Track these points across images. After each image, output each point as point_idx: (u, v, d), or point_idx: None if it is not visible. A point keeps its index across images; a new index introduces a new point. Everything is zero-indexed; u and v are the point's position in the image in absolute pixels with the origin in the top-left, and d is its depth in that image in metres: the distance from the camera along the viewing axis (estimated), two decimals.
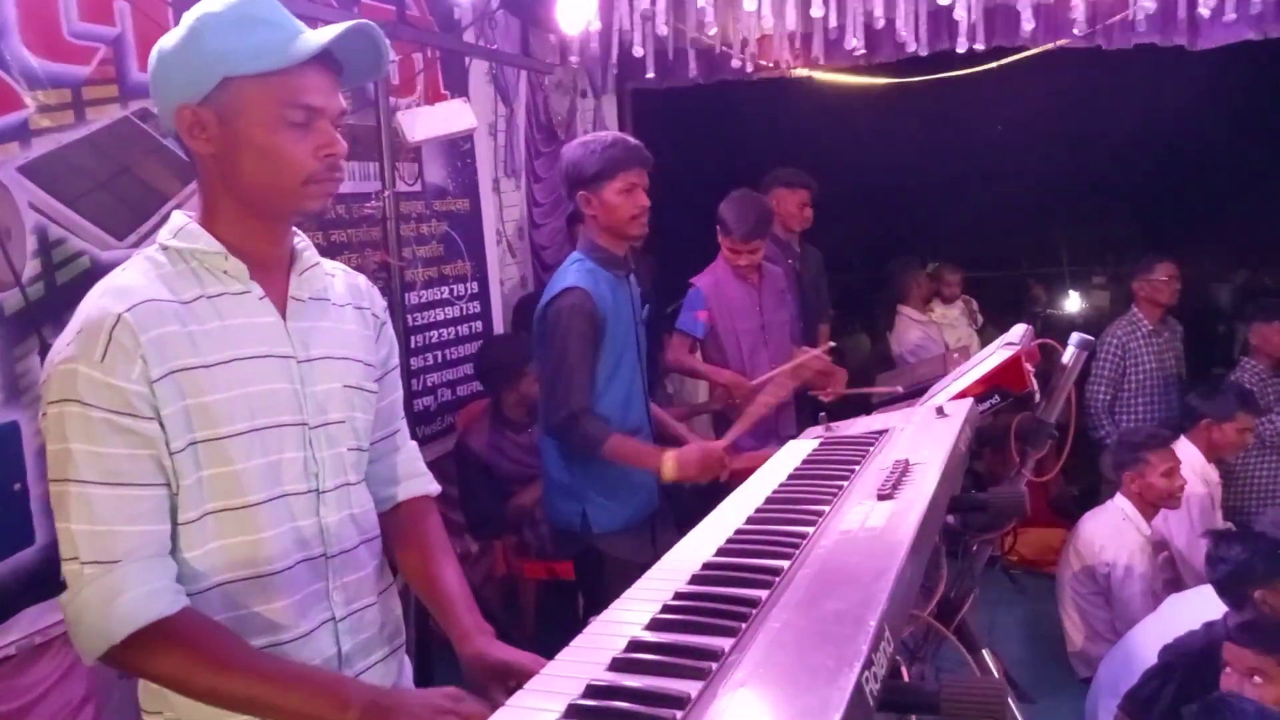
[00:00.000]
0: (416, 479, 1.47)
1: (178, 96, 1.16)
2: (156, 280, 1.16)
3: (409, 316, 3.19)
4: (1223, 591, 2.48)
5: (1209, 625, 2.44)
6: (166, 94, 1.18)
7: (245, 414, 1.16)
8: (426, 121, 2.94)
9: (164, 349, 1.11)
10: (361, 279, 1.42)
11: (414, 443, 1.50)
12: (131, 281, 1.15)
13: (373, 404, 1.36)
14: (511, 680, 1.20)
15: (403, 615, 1.43)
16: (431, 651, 2.61)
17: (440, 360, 3.52)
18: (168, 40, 1.17)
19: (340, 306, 1.33)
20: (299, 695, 1.08)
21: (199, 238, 1.19)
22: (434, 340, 3.47)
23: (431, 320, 3.46)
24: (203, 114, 1.15)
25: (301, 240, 1.30)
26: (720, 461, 2.34)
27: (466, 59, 3.59)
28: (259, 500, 1.18)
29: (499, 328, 3.87)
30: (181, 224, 1.21)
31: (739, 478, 1.57)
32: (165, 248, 1.20)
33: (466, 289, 3.66)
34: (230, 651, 1.11)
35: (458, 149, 3.60)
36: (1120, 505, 3.33)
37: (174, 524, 1.14)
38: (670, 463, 2.31)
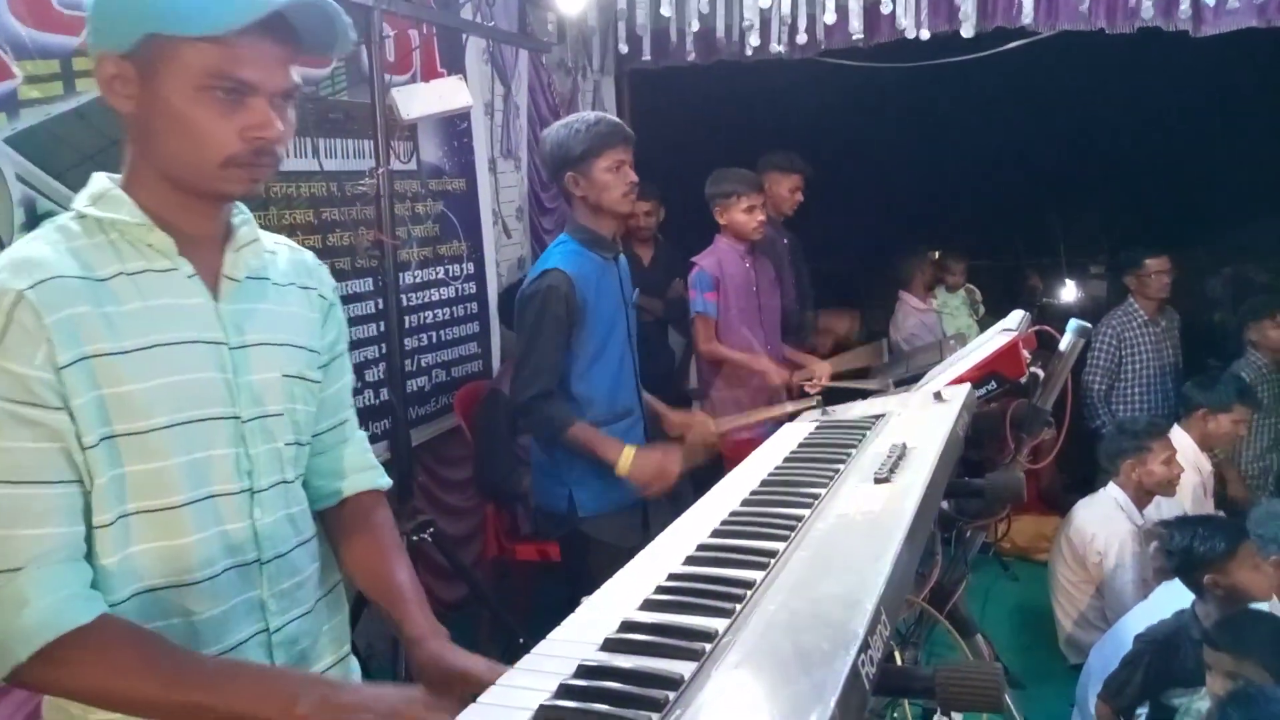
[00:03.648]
0: (365, 472, 1.35)
1: (102, 43, 1.05)
2: (67, 253, 1.02)
3: (403, 296, 3.17)
4: (1182, 579, 2.53)
5: (1178, 614, 2.49)
6: (93, 38, 1.06)
7: (168, 406, 1.05)
8: (421, 99, 2.91)
9: (73, 331, 0.99)
10: (308, 255, 1.30)
11: (363, 433, 1.39)
12: (37, 254, 1.01)
13: (316, 394, 1.25)
14: (467, 689, 1.10)
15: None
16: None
17: (435, 341, 3.49)
18: None
19: (282, 287, 1.21)
20: (240, 696, 0.97)
21: (120, 205, 1.07)
22: (429, 321, 3.45)
23: (427, 300, 3.43)
24: (124, 68, 1.04)
25: (240, 214, 1.18)
26: (671, 480, 2.35)
27: (463, 36, 3.55)
28: (183, 501, 1.06)
29: (495, 309, 3.85)
30: (103, 189, 1.08)
31: (733, 459, 1.56)
32: (82, 215, 1.07)
33: (462, 269, 3.63)
34: (157, 655, 0.99)
35: (454, 128, 3.57)
36: (1113, 494, 3.34)
37: (89, 527, 1.02)
38: (627, 459, 2.32)
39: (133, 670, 0.98)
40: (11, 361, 0.97)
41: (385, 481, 1.39)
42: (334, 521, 1.32)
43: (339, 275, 2.95)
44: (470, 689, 1.09)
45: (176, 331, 1.07)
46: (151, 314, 1.05)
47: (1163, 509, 3.46)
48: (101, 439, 1.01)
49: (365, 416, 3.05)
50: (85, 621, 0.97)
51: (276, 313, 1.19)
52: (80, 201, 1.08)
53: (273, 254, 1.23)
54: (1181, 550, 2.48)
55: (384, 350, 3.00)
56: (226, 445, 1.11)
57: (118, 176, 1.10)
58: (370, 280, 3.03)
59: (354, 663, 1.35)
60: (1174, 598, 2.64)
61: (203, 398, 1.08)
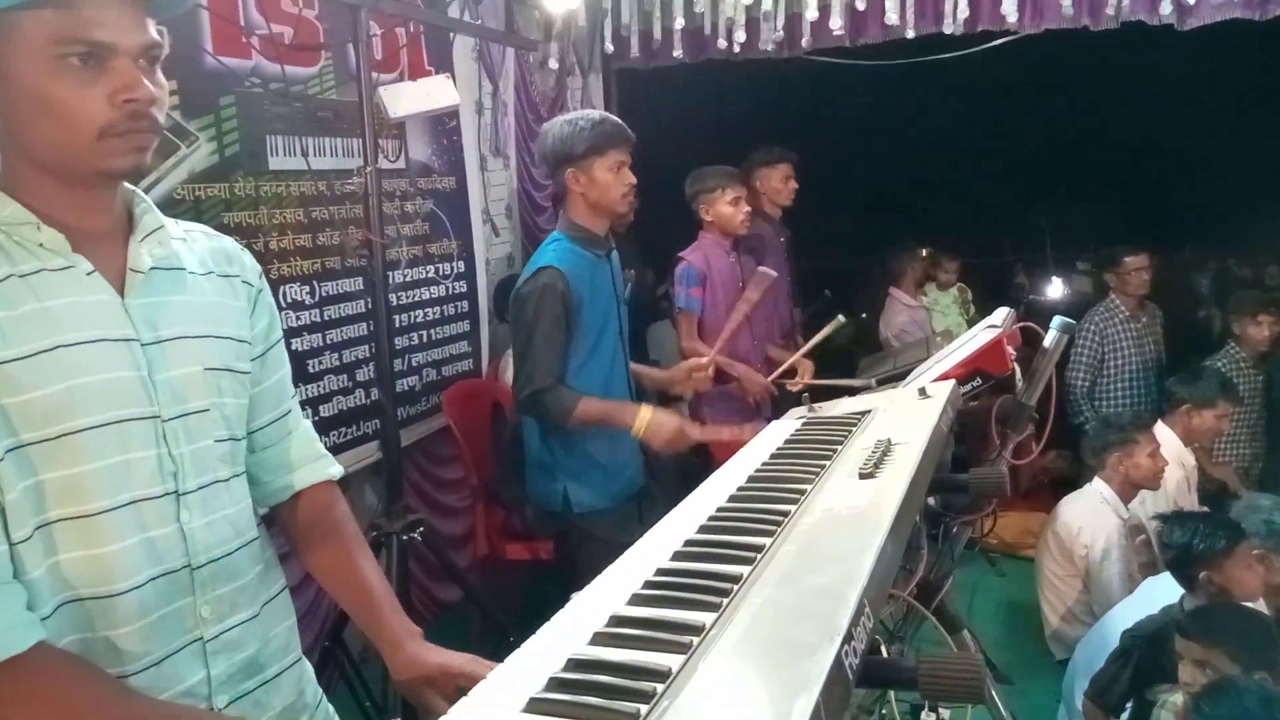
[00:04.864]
0: (315, 462, 1.31)
1: None
2: None
3: (393, 295, 3.17)
4: (1175, 574, 2.54)
5: (1166, 609, 2.51)
6: None
7: (76, 410, 0.98)
8: (409, 98, 2.90)
9: None
10: (228, 241, 1.23)
11: (307, 422, 1.34)
12: None
13: (245, 386, 1.19)
14: (450, 685, 1.12)
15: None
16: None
17: (426, 340, 3.50)
18: None
19: (200, 275, 1.15)
20: None
21: (3, 205, 1.00)
22: (419, 320, 3.45)
23: (416, 299, 3.44)
24: None
25: (141, 202, 1.11)
26: (686, 445, 2.38)
27: (451, 35, 3.55)
28: (101, 509, 1.00)
29: (485, 307, 3.85)
30: None
31: (721, 457, 1.57)
32: None
33: (453, 268, 3.64)
34: (95, 695, 0.95)
35: (443, 126, 3.57)
36: (1099, 489, 3.36)
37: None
38: (643, 420, 2.32)
39: (69, 708, 0.93)
40: None
41: (336, 470, 1.34)
42: (290, 521, 1.29)
43: (329, 274, 2.96)
44: (453, 684, 1.12)
45: (79, 331, 1.00)
46: (50, 315, 0.98)
47: (1148, 503, 3.49)
48: (8, 450, 0.95)
49: (356, 416, 3.08)
50: (20, 650, 0.91)
51: (194, 304, 1.12)
52: None
53: (183, 241, 1.16)
54: (1180, 546, 2.49)
55: (374, 349, 3.00)
56: (146, 447, 1.04)
57: None
58: (360, 279, 3.04)
59: (307, 669, 1.29)
60: (1160, 592, 2.66)
61: (115, 398, 1.02)
